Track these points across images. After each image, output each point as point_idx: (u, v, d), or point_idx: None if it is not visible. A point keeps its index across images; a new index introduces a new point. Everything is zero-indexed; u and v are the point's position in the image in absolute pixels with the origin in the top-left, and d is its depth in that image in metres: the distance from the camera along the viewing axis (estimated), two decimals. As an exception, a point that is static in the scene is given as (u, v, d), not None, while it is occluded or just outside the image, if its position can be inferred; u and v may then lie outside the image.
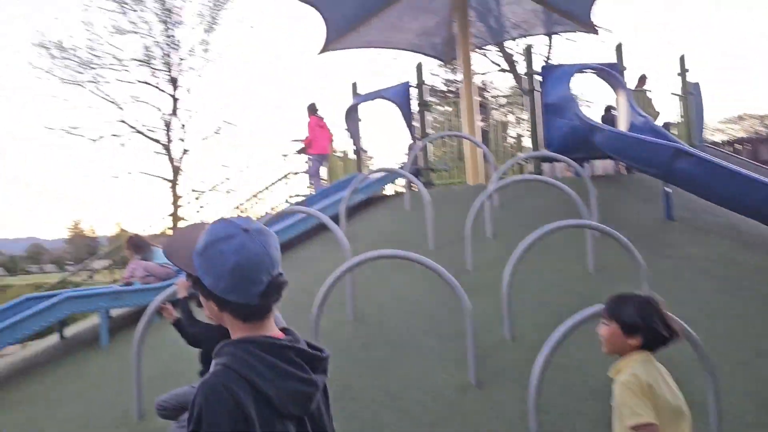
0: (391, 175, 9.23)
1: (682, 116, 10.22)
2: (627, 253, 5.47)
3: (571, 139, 8.69)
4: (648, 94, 10.35)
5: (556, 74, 8.92)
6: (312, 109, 11.46)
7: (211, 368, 1.31)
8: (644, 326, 2.27)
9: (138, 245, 7.12)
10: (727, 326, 4.98)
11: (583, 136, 8.25)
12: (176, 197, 23.67)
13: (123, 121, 24.43)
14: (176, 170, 24.52)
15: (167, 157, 24.61)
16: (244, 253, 1.28)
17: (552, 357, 3.65)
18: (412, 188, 8.26)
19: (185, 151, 25.04)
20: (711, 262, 6.26)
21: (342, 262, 5.22)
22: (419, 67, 9.44)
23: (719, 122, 35.65)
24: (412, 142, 9.74)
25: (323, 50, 14.69)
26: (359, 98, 10.12)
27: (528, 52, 9.16)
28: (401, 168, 8.51)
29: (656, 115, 10.68)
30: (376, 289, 6.04)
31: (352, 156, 11.61)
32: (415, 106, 9.42)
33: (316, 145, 11.22)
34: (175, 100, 24.98)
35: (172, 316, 4.20)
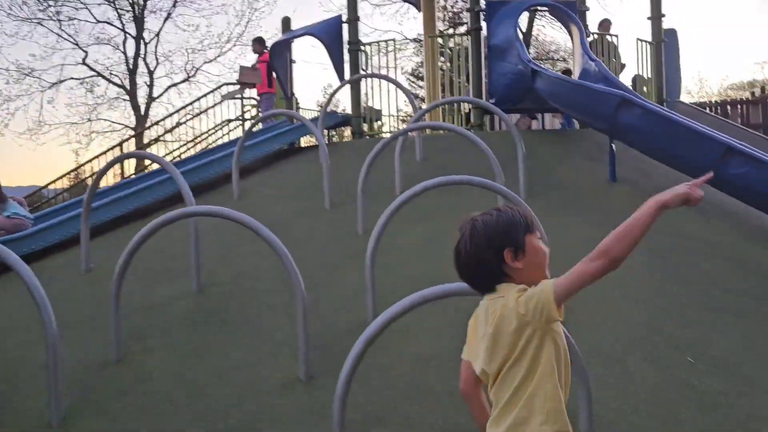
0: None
1: (652, 68, 9.03)
2: (550, 216, 4.58)
3: (516, 86, 7.60)
4: (611, 39, 9.15)
5: (502, 11, 7.77)
6: (263, 44, 10.09)
7: None
8: None
9: None
10: (640, 311, 4.02)
11: (529, 83, 7.16)
12: (140, 146, 22.54)
13: (85, 64, 23.09)
14: (140, 118, 23.29)
15: (131, 103, 23.38)
16: None
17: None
18: (332, 138, 7.22)
19: (151, 98, 23.80)
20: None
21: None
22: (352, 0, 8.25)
23: (729, 88, 32.12)
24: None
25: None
26: (287, 35, 8.96)
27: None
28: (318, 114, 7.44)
29: (621, 66, 9.51)
30: (236, 259, 5.09)
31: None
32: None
33: (273, 83, 9.61)
34: (142, 43, 23.58)
35: None
